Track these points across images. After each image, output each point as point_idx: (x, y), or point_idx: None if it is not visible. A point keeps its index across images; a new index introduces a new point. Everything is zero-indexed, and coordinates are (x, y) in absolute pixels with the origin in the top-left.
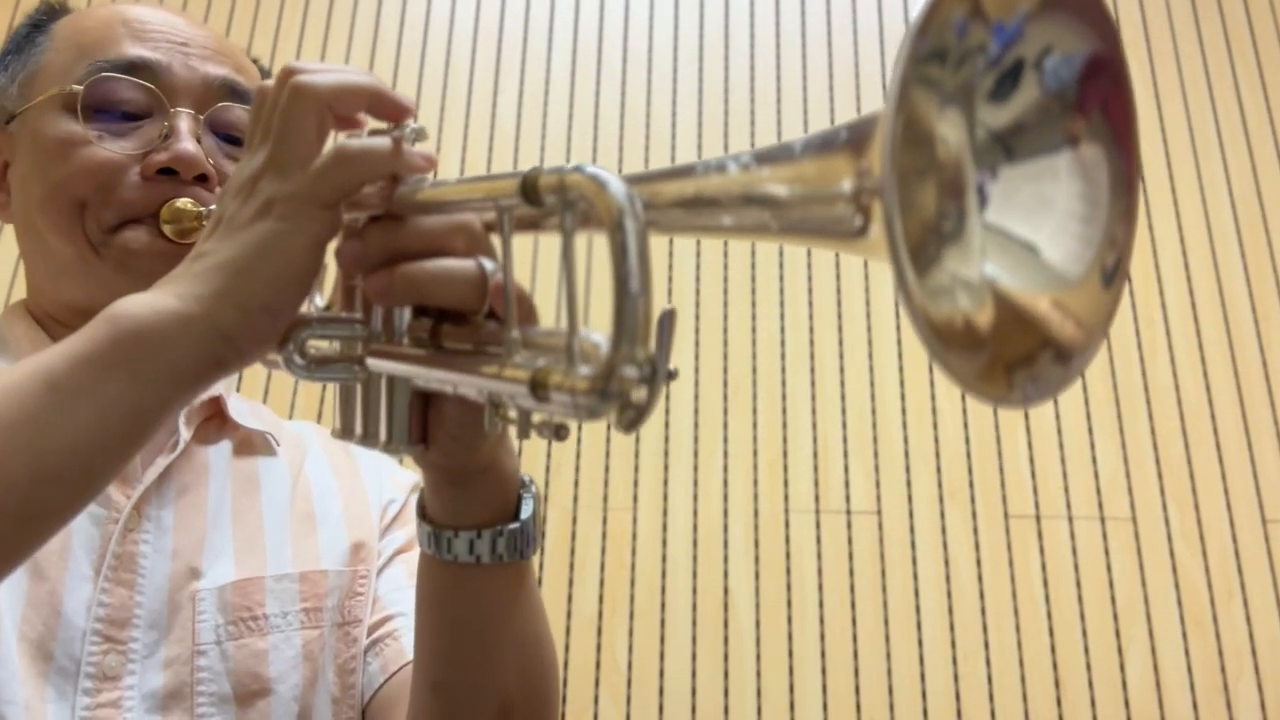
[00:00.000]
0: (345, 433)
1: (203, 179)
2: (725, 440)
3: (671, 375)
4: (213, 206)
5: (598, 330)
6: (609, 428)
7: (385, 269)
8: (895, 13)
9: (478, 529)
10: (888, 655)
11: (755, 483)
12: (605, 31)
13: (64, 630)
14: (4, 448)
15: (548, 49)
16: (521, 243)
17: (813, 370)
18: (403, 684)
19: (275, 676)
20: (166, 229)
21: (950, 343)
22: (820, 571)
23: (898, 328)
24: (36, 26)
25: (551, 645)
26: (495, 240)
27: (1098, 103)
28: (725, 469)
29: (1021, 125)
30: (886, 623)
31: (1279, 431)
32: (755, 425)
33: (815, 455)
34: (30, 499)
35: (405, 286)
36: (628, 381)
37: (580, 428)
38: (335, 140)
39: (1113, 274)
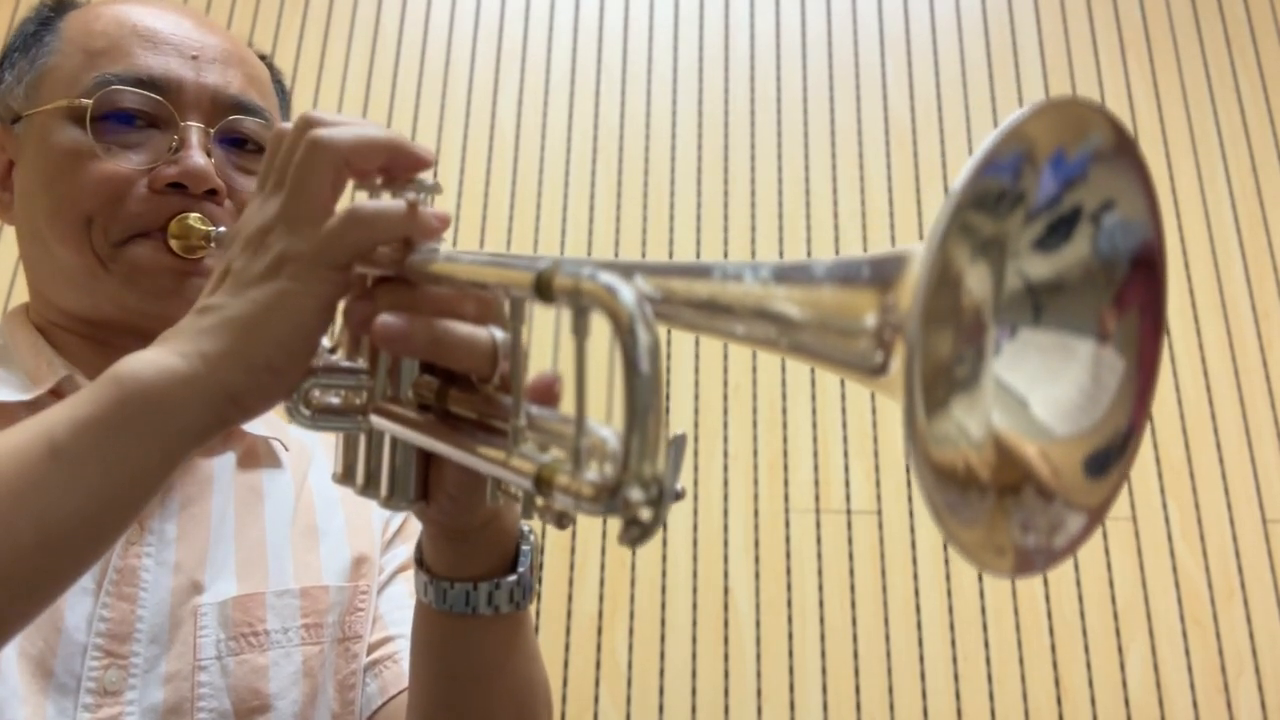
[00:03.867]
0: (346, 479)
1: (212, 193)
2: (725, 440)
3: (678, 497)
4: (222, 228)
5: (606, 426)
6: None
7: (405, 312)
8: (895, 14)
9: (474, 581)
10: (888, 655)
11: (755, 483)
12: (605, 31)
13: (64, 646)
14: (10, 515)
15: (548, 49)
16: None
17: (813, 370)
18: (401, 708)
19: (275, 692)
20: (174, 244)
21: (950, 486)
22: (820, 572)
23: None
24: (44, 24)
25: (546, 688)
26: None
27: (1137, 303)
28: (725, 469)
29: (1062, 285)
30: (886, 623)
31: (1279, 431)
32: (755, 425)
33: (815, 455)
34: (38, 565)
35: (427, 338)
36: (633, 503)
37: None
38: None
39: (1101, 468)
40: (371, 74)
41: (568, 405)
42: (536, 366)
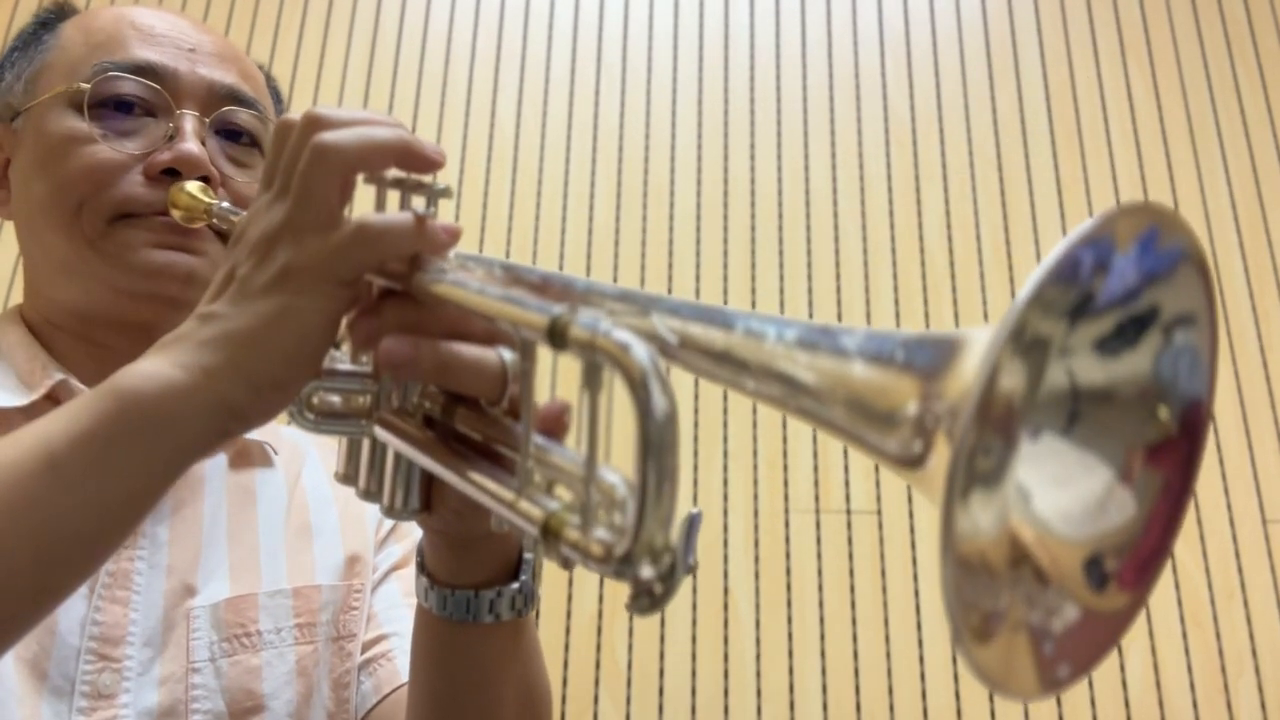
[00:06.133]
0: (348, 481)
1: (205, 180)
2: (725, 440)
3: (690, 569)
4: (224, 204)
5: (615, 471)
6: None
7: (409, 334)
8: (895, 14)
9: (476, 589)
10: (888, 655)
11: (755, 482)
12: (605, 30)
13: (58, 649)
14: (6, 532)
15: (548, 48)
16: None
17: None
18: (396, 706)
19: (269, 693)
20: (175, 214)
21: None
22: (820, 572)
23: (896, 327)
24: (44, 25)
25: (548, 692)
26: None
27: (1165, 469)
28: (725, 469)
29: (1110, 395)
30: (886, 623)
31: (1279, 431)
32: (755, 425)
33: (815, 455)
34: (35, 581)
35: (433, 363)
36: (644, 580)
37: None
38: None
39: (1101, 583)
40: (371, 74)
41: (575, 435)
42: (546, 384)
